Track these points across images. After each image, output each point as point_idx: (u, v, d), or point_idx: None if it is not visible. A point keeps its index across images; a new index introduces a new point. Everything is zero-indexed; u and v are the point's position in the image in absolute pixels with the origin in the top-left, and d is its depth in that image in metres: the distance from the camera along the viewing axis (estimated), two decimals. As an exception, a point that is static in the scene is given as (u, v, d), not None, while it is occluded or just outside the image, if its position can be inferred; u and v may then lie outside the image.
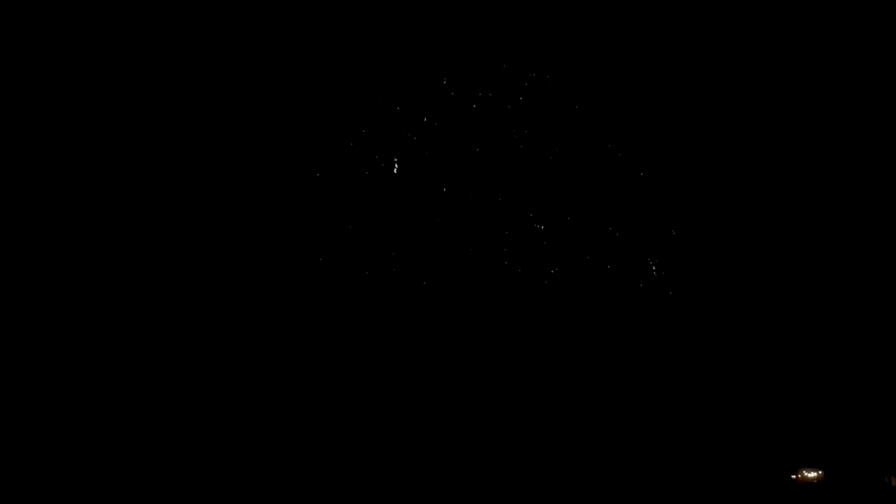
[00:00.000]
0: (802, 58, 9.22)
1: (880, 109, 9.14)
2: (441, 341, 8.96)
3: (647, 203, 9.26)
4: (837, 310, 9.09)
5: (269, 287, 8.63)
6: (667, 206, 9.26)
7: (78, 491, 7.77)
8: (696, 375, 9.05)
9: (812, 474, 8.76)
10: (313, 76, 8.78)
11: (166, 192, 8.37)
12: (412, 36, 8.84)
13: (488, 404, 8.85)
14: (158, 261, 8.29)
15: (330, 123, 8.87)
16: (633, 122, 9.30)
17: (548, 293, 9.16)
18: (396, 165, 8.92)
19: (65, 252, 8.14)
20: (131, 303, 8.28)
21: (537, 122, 9.19)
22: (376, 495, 8.31)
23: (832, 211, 9.20)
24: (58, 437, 7.90)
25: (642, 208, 9.27)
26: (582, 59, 9.17)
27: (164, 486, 7.97)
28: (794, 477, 8.79)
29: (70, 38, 8.08)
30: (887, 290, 8.97)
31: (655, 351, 9.11)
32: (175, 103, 8.45)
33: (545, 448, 8.68)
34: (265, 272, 8.61)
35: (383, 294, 8.92)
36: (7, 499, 7.55)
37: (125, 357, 8.23)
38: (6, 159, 7.96)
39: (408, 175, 8.96)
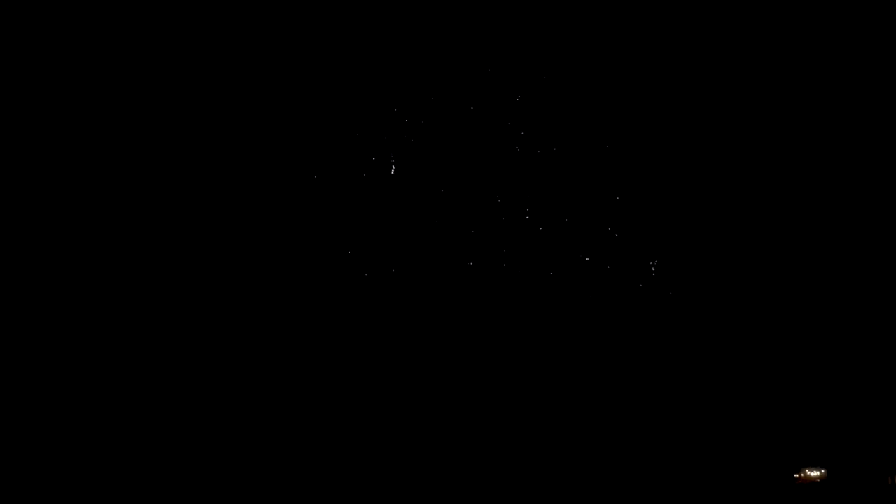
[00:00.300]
0: (802, 58, 9.19)
1: (880, 110, 9.09)
2: (440, 342, 8.99)
3: (647, 203, 9.25)
4: (838, 309, 9.05)
5: (265, 289, 8.67)
6: (666, 206, 9.24)
7: (78, 491, 7.82)
8: (696, 375, 9.03)
9: (814, 473, 8.72)
10: (309, 78, 8.82)
11: (163, 192, 8.42)
12: (409, 37, 8.86)
13: (487, 405, 8.86)
14: (154, 261, 8.34)
15: (326, 125, 8.91)
16: (631, 122, 9.30)
17: (547, 294, 9.17)
18: (394, 167, 8.95)
19: (64, 252, 8.20)
20: (129, 303, 8.34)
21: (535, 122, 9.20)
22: (376, 495, 8.33)
23: (832, 210, 9.16)
24: (58, 438, 7.96)
25: (641, 208, 9.26)
26: (579, 59, 9.17)
27: (163, 487, 8.02)
28: (796, 476, 8.75)
29: (70, 38, 8.15)
30: (888, 290, 8.92)
31: (655, 350, 9.09)
32: (170, 104, 8.50)
33: (544, 448, 8.68)
34: (262, 274, 8.65)
35: (381, 296, 8.95)
36: (7, 499, 7.61)
37: (124, 357, 8.29)
38: (6, 159, 8.03)
39: (405, 176, 8.99)
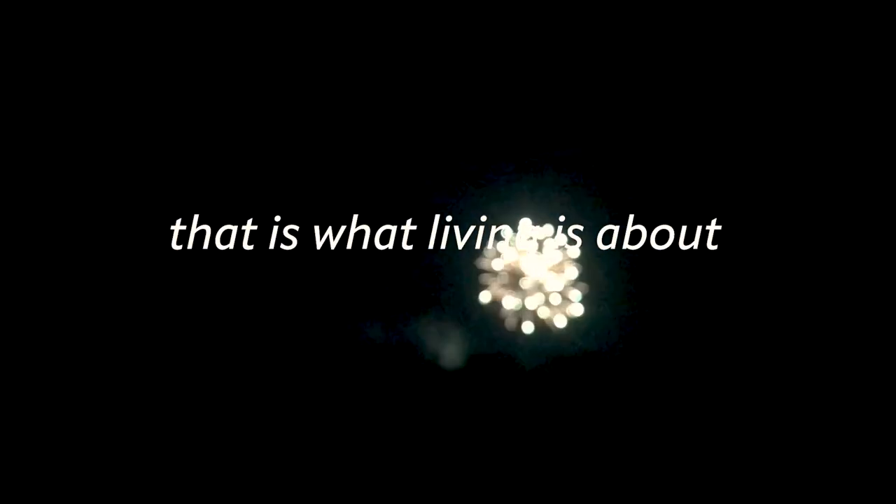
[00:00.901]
0: (802, 58, 9.17)
1: (881, 110, 9.07)
2: (438, 343, 9.01)
3: (646, 205, 9.22)
4: (839, 309, 9.02)
5: (262, 290, 8.69)
6: (665, 206, 9.22)
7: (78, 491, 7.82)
8: (698, 374, 9.02)
9: (811, 471, 8.66)
10: (307, 77, 8.83)
11: (161, 192, 8.44)
12: (407, 36, 8.87)
13: (487, 406, 8.86)
14: (152, 261, 8.36)
15: (323, 125, 8.93)
16: (629, 126, 9.29)
17: (546, 294, 9.17)
18: (389, 167, 8.97)
19: (63, 252, 8.23)
20: (129, 304, 8.36)
21: (533, 123, 9.21)
22: (376, 495, 8.32)
23: (832, 211, 9.14)
24: (57, 437, 7.97)
25: (641, 210, 9.22)
26: (577, 59, 9.17)
27: (164, 487, 8.01)
28: (796, 475, 8.70)
29: (70, 38, 8.18)
30: (888, 289, 8.90)
31: (656, 350, 9.09)
32: (170, 104, 8.54)
33: (546, 450, 8.67)
34: (259, 275, 8.66)
35: (379, 297, 8.96)
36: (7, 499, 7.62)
37: (124, 357, 8.31)
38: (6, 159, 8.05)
39: (402, 176, 9.00)
